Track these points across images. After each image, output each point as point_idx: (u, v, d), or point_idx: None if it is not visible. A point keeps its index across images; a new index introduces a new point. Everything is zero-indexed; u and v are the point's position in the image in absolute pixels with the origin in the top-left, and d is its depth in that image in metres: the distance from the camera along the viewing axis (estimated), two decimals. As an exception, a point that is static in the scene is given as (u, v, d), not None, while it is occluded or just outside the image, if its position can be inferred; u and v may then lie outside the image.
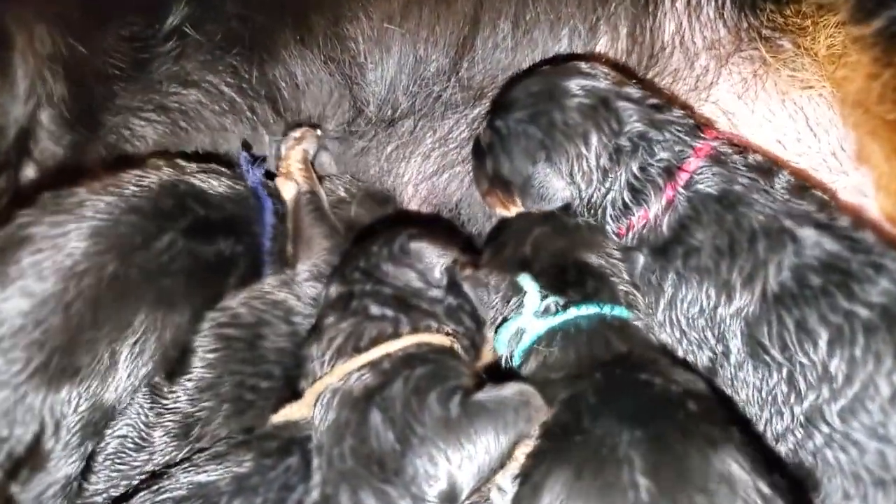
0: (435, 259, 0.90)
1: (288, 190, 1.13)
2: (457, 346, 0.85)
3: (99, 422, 0.92)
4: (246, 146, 1.20)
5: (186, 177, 1.04)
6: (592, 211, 0.96)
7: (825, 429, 0.81)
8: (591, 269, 0.92)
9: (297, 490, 0.80)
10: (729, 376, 0.87)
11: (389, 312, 0.87)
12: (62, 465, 0.89)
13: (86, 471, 0.92)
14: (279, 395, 0.95)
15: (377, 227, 1.07)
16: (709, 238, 0.88)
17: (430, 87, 1.17)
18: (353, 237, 1.11)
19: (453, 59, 1.15)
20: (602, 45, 1.15)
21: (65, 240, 0.92)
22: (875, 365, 0.79)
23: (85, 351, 0.89)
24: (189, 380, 0.93)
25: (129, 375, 0.92)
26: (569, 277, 0.92)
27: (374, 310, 0.88)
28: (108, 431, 0.92)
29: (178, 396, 0.92)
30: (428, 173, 1.21)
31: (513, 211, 1.04)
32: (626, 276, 0.93)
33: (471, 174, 1.15)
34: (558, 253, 0.95)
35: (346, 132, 1.21)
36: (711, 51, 1.12)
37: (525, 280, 0.91)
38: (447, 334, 0.85)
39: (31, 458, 0.89)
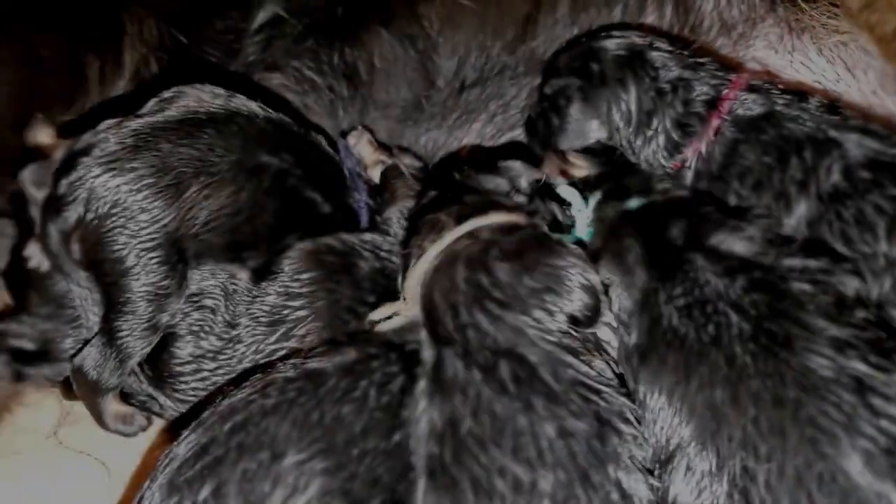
0: (523, 171, 0.99)
1: (377, 171, 1.23)
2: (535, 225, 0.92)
3: None
4: (343, 134, 1.31)
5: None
6: (639, 152, 1.04)
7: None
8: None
9: (399, 377, 0.83)
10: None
11: (476, 199, 0.93)
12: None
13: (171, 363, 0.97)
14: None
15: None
16: (758, 155, 0.96)
17: (496, 59, 1.30)
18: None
19: (518, 33, 1.28)
20: (649, 20, 1.28)
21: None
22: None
23: None
24: (278, 284, 1.00)
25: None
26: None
27: (466, 199, 0.94)
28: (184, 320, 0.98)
29: (267, 293, 0.99)
30: (488, 136, 1.33)
31: (573, 175, 1.09)
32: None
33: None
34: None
35: (416, 103, 1.34)
36: (748, 20, 1.23)
37: (565, 190, 0.99)
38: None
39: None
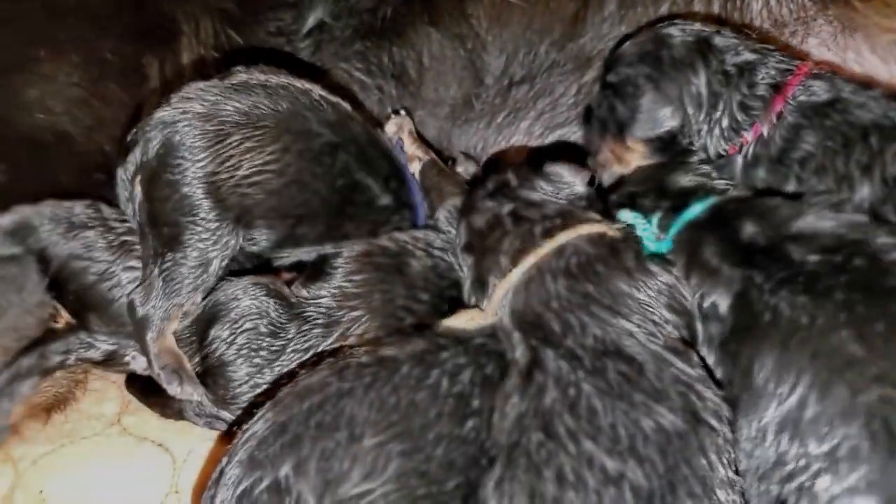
0: (574, 176, 0.99)
1: (415, 166, 1.25)
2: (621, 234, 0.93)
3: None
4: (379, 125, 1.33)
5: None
6: (701, 135, 1.05)
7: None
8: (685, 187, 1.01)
9: (468, 369, 0.85)
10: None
11: (550, 213, 0.95)
12: None
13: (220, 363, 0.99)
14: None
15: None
16: (821, 140, 0.98)
17: (544, 57, 1.32)
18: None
19: (565, 31, 1.30)
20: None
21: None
22: None
23: None
24: (332, 286, 1.02)
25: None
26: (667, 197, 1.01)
27: (538, 215, 0.95)
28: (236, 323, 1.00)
29: (321, 295, 1.01)
30: (536, 134, 1.34)
31: (630, 163, 1.13)
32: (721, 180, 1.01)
33: (576, 134, 1.29)
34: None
35: (465, 101, 1.36)
36: (799, 18, 1.24)
37: (624, 214, 0.99)
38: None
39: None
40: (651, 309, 0.84)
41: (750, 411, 0.78)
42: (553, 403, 0.77)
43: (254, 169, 1.02)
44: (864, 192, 0.94)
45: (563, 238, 0.91)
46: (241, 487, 0.73)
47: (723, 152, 1.05)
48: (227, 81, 1.06)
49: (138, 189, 1.03)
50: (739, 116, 1.04)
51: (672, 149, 1.05)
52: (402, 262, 1.07)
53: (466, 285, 0.99)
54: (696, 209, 0.96)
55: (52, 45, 1.21)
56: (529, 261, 0.90)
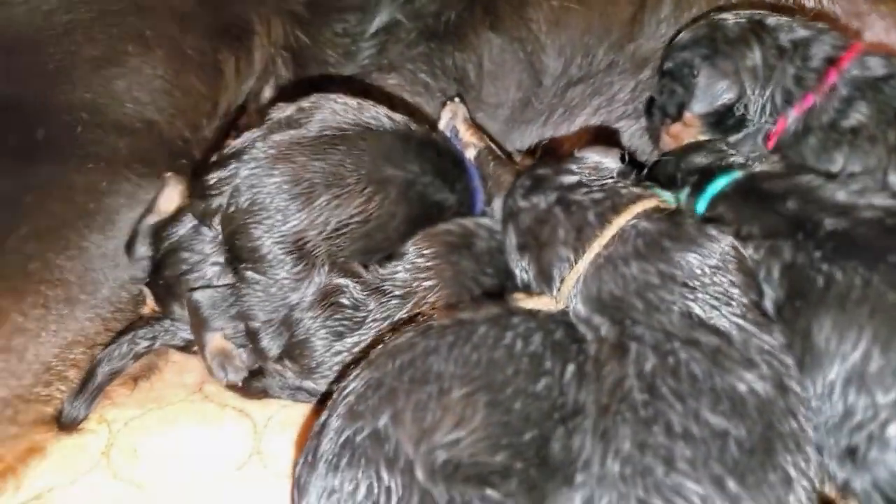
0: (604, 156, 1.04)
1: (471, 153, 1.31)
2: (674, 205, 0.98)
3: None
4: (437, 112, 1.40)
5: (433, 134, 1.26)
6: (756, 107, 1.11)
7: None
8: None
9: (538, 333, 0.91)
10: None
11: (598, 196, 0.99)
12: None
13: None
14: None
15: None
16: (874, 112, 1.03)
17: (601, 58, 1.38)
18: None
19: (623, 33, 1.37)
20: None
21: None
22: None
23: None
24: (406, 262, 1.09)
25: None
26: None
27: (586, 201, 0.99)
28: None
29: (397, 271, 1.08)
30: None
31: (684, 141, 1.18)
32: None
33: (631, 130, 1.35)
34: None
35: (523, 103, 1.43)
36: (850, 13, 1.30)
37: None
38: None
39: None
40: (722, 274, 0.89)
41: (814, 371, 0.84)
42: (654, 368, 0.82)
43: (342, 223, 1.09)
44: None
45: (621, 221, 0.95)
46: (344, 436, 0.79)
47: (771, 124, 1.10)
48: (308, 129, 1.13)
49: (217, 225, 1.10)
50: (793, 88, 1.09)
51: (726, 122, 1.12)
52: (468, 241, 1.14)
53: (529, 281, 1.02)
54: (720, 182, 1.01)
55: (140, 41, 1.29)
56: (594, 249, 0.95)
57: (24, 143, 1.15)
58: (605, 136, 1.27)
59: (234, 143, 1.15)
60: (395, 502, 0.75)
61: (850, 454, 0.81)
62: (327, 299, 1.06)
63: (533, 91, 1.42)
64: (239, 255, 1.09)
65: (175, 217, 1.14)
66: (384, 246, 1.13)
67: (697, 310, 0.86)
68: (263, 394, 1.11)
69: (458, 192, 1.22)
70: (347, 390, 0.83)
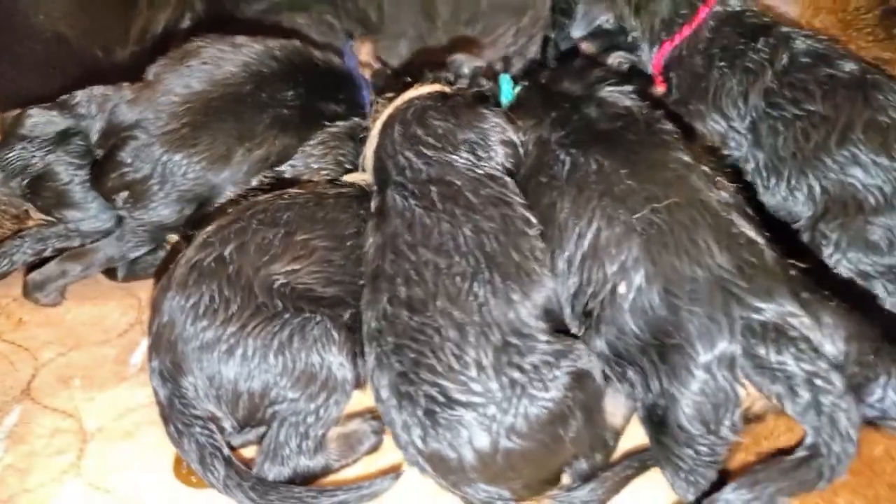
0: (464, 60, 1.20)
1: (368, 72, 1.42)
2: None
3: (198, 195, 1.18)
4: (349, 35, 1.53)
5: (312, 49, 1.37)
6: (638, 34, 1.25)
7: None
8: None
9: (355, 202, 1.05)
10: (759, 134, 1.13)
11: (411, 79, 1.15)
12: (158, 209, 1.17)
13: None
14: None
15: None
16: (734, 39, 1.18)
17: (485, 6, 1.54)
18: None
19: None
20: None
21: (222, 61, 1.25)
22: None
23: (207, 134, 1.18)
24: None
25: (236, 170, 1.19)
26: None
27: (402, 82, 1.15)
28: None
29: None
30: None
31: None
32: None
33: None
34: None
35: (418, 40, 1.58)
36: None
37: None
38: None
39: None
40: (481, 143, 1.02)
41: (556, 246, 0.94)
42: (395, 228, 0.94)
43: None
44: (765, 79, 1.12)
45: (407, 96, 1.10)
46: (194, 261, 0.91)
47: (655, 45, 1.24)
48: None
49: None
50: (670, 19, 1.23)
51: (618, 48, 1.26)
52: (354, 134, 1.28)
53: None
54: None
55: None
56: (381, 120, 1.09)
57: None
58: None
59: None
60: (233, 310, 0.87)
61: (587, 316, 0.91)
62: None
63: (427, 30, 1.57)
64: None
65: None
66: (284, 153, 1.25)
67: (436, 168, 0.98)
68: None
69: (346, 101, 1.33)
70: (205, 231, 0.96)
